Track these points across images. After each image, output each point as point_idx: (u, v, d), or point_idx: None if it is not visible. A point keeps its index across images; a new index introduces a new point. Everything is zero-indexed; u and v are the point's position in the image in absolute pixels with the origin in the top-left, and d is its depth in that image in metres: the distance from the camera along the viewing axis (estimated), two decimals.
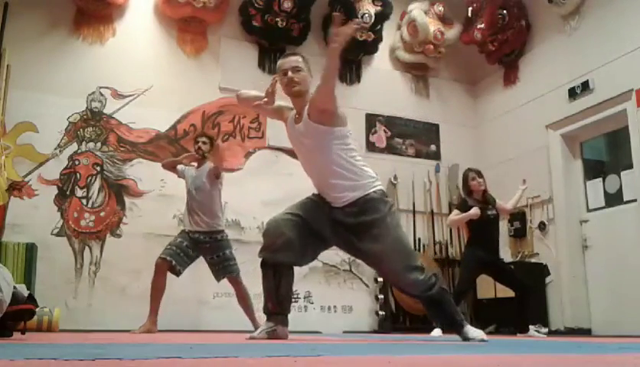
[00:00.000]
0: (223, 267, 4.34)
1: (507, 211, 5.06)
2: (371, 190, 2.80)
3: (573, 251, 5.60)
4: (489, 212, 4.72)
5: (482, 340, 2.77)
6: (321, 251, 2.95)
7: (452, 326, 2.93)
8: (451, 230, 6.36)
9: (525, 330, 4.61)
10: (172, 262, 4.19)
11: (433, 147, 6.74)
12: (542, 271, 5.74)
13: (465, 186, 4.83)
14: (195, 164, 4.61)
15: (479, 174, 4.79)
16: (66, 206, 5.12)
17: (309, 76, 2.89)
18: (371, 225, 2.77)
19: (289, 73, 2.85)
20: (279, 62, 2.94)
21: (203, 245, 4.33)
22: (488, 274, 4.93)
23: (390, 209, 2.83)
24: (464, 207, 4.72)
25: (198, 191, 4.41)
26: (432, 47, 6.47)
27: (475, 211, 4.58)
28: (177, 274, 4.26)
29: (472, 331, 2.84)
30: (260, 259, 2.84)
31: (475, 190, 4.75)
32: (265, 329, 2.75)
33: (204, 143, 4.49)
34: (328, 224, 2.83)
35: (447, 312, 2.88)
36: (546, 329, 4.99)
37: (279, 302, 2.80)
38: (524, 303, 4.64)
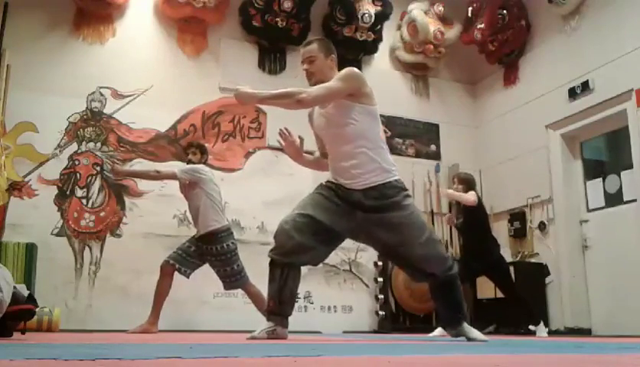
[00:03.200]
0: (230, 282, 4.35)
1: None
2: (392, 178, 2.77)
3: (573, 251, 5.61)
4: (457, 221, 4.89)
5: (482, 340, 2.77)
6: (335, 246, 2.92)
7: (456, 317, 2.85)
8: (451, 230, 6.37)
9: (536, 323, 4.63)
10: (176, 265, 4.23)
11: (433, 147, 6.74)
12: (542, 271, 5.74)
13: None
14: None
15: (453, 179, 4.91)
16: (66, 206, 5.12)
17: (328, 60, 2.89)
18: (392, 208, 2.72)
19: (305, 65, 2.90)
20: (300, 51, 2.97)
21: (207, 255, 4.32)
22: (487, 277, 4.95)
23: (408, 198, 2.81)
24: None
25: (188, 199, 4.44)
26: (432, 47, 6.46)
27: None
28: (185, 275, 4.29)
29: (474, 331, 2.84)
30: (269, 259, 2.82)
31: None
32: (265, 329, 2.75)
33: (193, 153, 4.52)
34: (343, 213, 2.77)
35: (457, 299, 2.84)
36: (546, 329, 4.99)
37: (280, 302, 2.78)
38: (520, 305, 4.66)
